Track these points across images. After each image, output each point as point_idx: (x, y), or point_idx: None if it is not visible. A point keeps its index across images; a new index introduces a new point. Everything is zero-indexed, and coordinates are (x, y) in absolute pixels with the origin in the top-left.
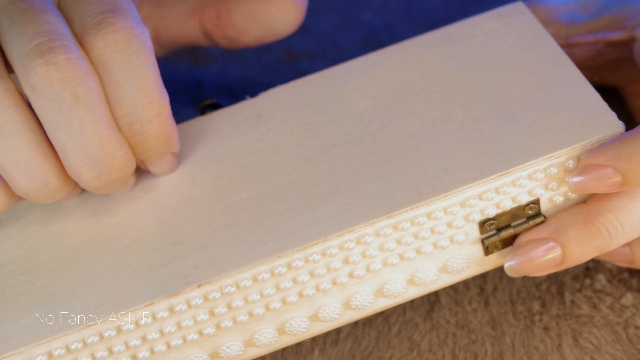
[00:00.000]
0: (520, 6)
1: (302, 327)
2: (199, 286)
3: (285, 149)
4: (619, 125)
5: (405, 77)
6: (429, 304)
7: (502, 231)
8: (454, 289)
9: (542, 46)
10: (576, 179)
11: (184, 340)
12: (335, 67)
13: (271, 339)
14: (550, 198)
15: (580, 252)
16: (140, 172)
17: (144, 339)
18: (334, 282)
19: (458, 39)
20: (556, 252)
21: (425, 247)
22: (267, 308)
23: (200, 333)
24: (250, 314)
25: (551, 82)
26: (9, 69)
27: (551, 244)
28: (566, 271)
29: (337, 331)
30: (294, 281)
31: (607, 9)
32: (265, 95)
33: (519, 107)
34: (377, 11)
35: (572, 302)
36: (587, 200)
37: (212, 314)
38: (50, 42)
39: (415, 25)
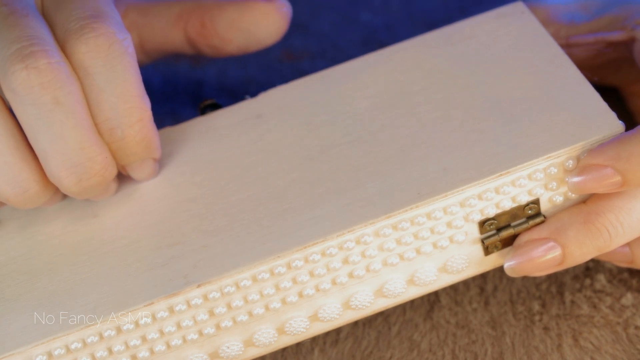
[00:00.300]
0: (520, 6)
1: (302, 327)
2: (198, 286)
3: (285, 149)
4: (619, 125)
5: (405, 77)
6: (429, 304)
7: (502, 231)
8: (454, 289)
9: (542, 46)
10: (576, 179)
11: (184, 340)
12: (335, 67)
13: (271, 339)
14: (550, 198)
15: (580, 252)
16: None
17: (143, 338)
18: (333, 282)
19: (458, 39)
20: (556, 252)
21: (425, 247)
22: (267, 308)
23: (200, 333)
24: (250, 314)
25: (551, 82)
26: None
27: (551, 244)
28: (566, 271)
29: (337, 331)
30: (294, 281)
31: (607, 9)
32: (265, 95)
33: (519, 107)
34: (377, 11)
35: (572, 302)
36: (587, 200)
37: (211, 313)
38: (31, 47)
39: (415, 25)
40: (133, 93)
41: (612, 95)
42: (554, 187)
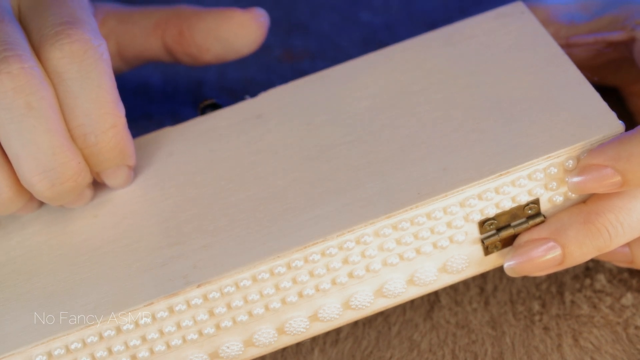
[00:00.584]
0: (520, 6)
1: (301, 327)
2: (198, 286)
3: (285, 149)
4: (619, 125)
5: (405, 77)
6: (429, 304)
7: (502, 231)
8: (454, 289)
9: (542, 46)
10: (576, 179)
11: (184, 340)
12: (335, 67)
13: (271, 339)
14: (550, 198)
15: (580, 252)
16: (140, 172)
17: (143, 339)
18: (333, 282)
19: (458, 39)
20: (556, 252)
21: (425, 247)
22: (266, 308)
23: (200, 333)
24: (250, 314)
25: (551, 82)
26: None
27: (551, 244)
28: (566, 271)
29: (337, 331)
30: (294, 281)
31: (607, 9)
32: (265, 95)
33: (519, 107)
34: (377, 11)
35: (572, 302)
36: (587, 200)
37: (211, 313)
38: (5, 52)
39: (415, 25)
40: (107, 99)
41: (612, 95)
42: (554, 187)
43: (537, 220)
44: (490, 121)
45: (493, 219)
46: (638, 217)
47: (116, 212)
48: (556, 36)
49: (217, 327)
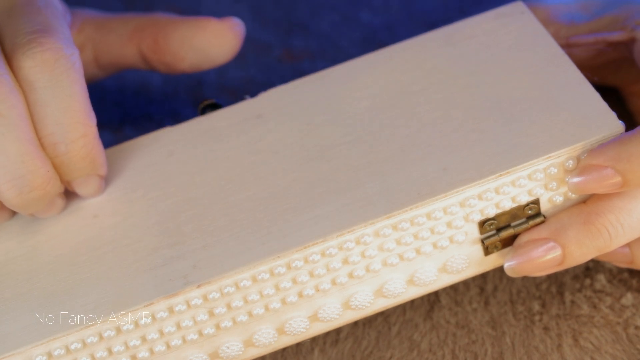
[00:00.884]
0: (520, 6)
1: (301, 327)
2: (198, 286)
3: (285, 149)
4: (619, 125)
5: (405, 77)
6: (429, 304)
7: (502, 231)
8: (454, 289)
9: (542, 46)
10: (576, 180)
11: (184, 340)
12: (335, 67)
13: (271, 339)
14: (550, 198)
15: (580, 253)
16: (140, 172)
17: (143, 339)
18: (333, 282)
19: (458, 39)
20: (556, 252)
21: (425, 247)
22: (266, 308)
23: (200, 333)
24: (250, 314)
25: (551, 82)
26: None
27: (551, 244)
28: (566, 271)
29: (337, 331)
30: (294, 281)
31: (607, 9)
32: (265, 95)
33: (518, 107)
34: (377, 11)
35: (572, 302)
36: (587, 200)
37: (211, 314)
38: None
39: (415, 25)
40: (78, 108)
41: (612, 95)
42: (554, 187)
43: (537, 220)
44: (490, 121)
45: (493, 219)
46: (638, 218)
47: (116, 212)
48: (556, 36)
49: (217, 327)
